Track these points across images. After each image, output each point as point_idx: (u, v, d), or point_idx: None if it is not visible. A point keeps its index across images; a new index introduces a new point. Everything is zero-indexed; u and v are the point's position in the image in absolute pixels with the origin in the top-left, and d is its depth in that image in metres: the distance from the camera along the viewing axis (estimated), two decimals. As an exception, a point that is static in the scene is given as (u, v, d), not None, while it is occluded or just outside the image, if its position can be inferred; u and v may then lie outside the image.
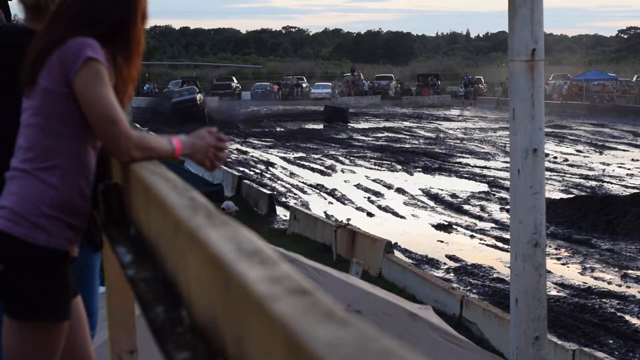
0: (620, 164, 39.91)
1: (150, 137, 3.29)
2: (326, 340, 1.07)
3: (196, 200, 2.12)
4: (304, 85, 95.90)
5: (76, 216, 3.30)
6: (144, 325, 2.14)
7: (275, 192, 31.95)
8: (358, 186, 34.40)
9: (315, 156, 44.22)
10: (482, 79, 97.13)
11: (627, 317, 17.41)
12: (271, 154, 46.06)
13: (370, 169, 39.72)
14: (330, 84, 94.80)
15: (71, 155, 3.26)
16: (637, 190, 30.28)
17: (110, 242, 3.18)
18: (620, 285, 19.71)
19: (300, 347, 1.09)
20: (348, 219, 23.57)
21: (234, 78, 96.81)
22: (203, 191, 2.51)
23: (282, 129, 58.97)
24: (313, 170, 39.70)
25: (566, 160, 41.19)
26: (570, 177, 35.54)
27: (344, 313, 1.17)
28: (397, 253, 21.65)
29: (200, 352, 1.71)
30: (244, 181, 32.75)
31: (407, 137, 53.85)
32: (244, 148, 48.01)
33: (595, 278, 20.36)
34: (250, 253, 1.52)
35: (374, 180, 35.75)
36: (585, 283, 19.84)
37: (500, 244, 23.53)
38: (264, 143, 51.11)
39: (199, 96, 64.05)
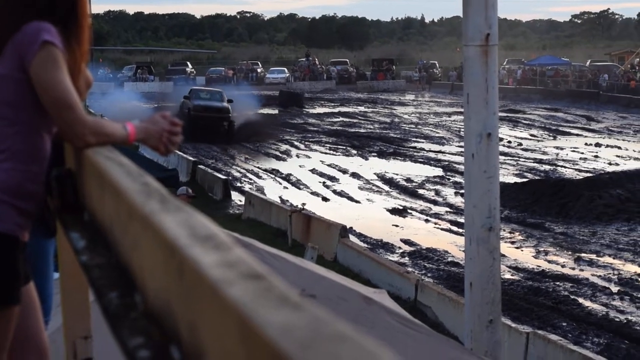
0: (574, 148, 40.25)
1: (105, 122, 3.27)
2: (280, 325, 1.07)
3: (150, 186, 2.11)
4: (258, 70, 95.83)
5: (28, 201, 3.26)
6: (98, 311, 2.13)
7: (230, 177, 31.88)
8: (313, 171, 34.43)
9: (270, 141, 44.14)
10: (437, 64, 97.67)
11: (581, 300, 17.56)
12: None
13: (326, 153, 39.76)
14: (285, 69, 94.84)
15: (24, 140, 3.23)
16: (590, 174, 30.57)
17: (63, 227, 3.15)
18: (573, 269, 19.88)
19: (254, 331, 1.09)
20: (303, 204, 23.58)
21: (188, 63, 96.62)
22: (157, 176, 2.49)
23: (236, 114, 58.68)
24: (268, 155, 39.66)
25: (520, 144, 41.50)
26: (524, 162, 35.80)
27: (298, 297, 1.17)
28: (352, 237, 21.68)
29: (154, 337, 1.70)
30: (199, 166, 32.64)
31: (362, 121, 53.94)
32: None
33: (549, 261, 20.53)
34: (204, 238, 1.51)
35: (329, 165, 35.79)
36: (539, 266, 19.99)
37: (454, 228, 23.64)
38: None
39: (229, 106, 46.36)
